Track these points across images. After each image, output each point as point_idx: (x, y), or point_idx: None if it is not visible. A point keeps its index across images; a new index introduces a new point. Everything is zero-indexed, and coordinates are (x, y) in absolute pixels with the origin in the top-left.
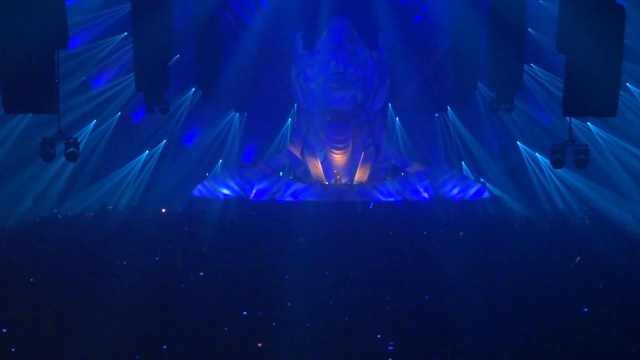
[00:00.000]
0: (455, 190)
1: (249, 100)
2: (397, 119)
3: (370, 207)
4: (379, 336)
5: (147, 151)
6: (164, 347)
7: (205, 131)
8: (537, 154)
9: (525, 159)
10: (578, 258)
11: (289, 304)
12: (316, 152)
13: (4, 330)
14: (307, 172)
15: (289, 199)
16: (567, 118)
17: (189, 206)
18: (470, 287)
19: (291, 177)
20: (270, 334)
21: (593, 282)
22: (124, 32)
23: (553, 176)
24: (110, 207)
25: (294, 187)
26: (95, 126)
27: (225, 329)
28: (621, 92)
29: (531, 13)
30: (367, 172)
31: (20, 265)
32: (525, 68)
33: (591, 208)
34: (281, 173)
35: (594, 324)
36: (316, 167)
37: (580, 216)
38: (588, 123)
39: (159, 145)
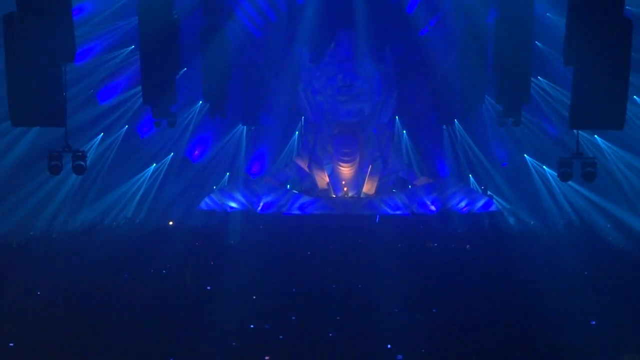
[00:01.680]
0: (463, 203)
1: (256, 113)
2: (404, 131)
3: (377, 220)
4: (389, 346)
5: (154, 164)
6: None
7: (212, 144)
8: (544, 166)
9: (532, 171)
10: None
11: (293, 317)
12: (323, 165)
13: (11, 345)
14: (314, 185)
15: (296, 212)
16: (575, 131)
17: (196, 219)
18: (478, 299)
19: (298, 190)
20: (278, 347)
21: (600, 295)
22: (131, 45)
23: (563, 188)
24: (118, 221)
25: (301, 200)
26: (103, 139)
27: (233, 343)
28: (628, 105)
29: (538, 26)
30: (375, 184)
31: (28, 278)
32: (532, 81)
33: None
34: (288, 186)
35: (602, 336)
36: (323, 180)
37: (585, 228)
38: (595, 136)
39: (166, 159)
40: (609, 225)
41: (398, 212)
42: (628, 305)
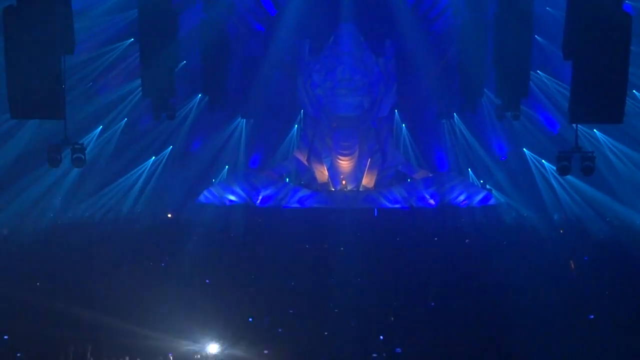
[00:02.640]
0: (462, 197)
1: (256, 106)
2: (403, 125)
3: (375, 214)
4: (381, 337)
5: (153, 157)
6: (170, 354)
7: (211, 137)
8: (543, 160)
9: (531, 165)
10: (572, 265)
11: (291, 311)
12: (322, 158)
13: (5, 338)
14: (313, 178)
15: (295, 205)
16: (574, 125)
17: (195, 212)
18: (477, 294)
19: (297, 184)
20: (277, 340)
21: (599, 288)
22: (131, 38)
23: (563, 182)
24: (117, 213)
25: (300, 194)
26: (102, 132)
27: (232, 337)
28: (627, 99)
29: (538, 19)
30: (374, 178)
31: (27, 270)
32: (531, 75)
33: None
34: (287, 179)
35: (600, 330)
36: (322, 174)
37: (585, 224)
38: (594, 130)
39: (165, 151)
40: (607, 219)
41: (397, 206)
42: (625, 300)
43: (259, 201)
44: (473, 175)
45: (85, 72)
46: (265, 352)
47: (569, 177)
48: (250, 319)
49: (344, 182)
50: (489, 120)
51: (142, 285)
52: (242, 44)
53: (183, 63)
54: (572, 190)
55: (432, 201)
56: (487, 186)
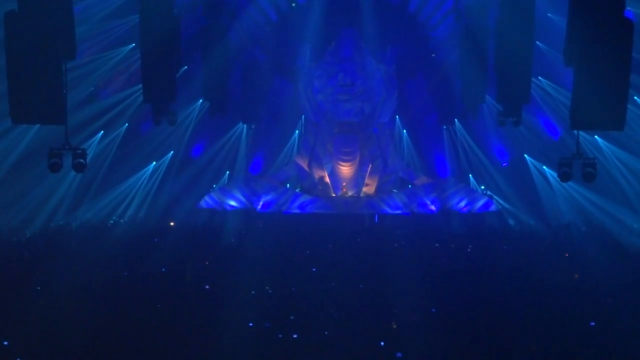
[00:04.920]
0: (463, 203)
1: (257, 111)
2: (404, 131)
3: (375, 219)
4: (382, 343)
5: (154, 162)
6: None
7: (212, 143)
8: (544, 167)
9: (532, 172)
10: (577, 275)
11: (292, 317)
12: (323, 164)
13: (5, 343)
14: (314, 184)
15: (296, 210)
16: (575, 131)
17: (196, 218)
18: (477, 300)
19: (298, 189)
20: (277, 346)
21: (599, 297)
22: (132, 43)
23: (560, 189)
24: (117, 219)
25: (300, 199)
26: (103, 137)
27: (232, 342)
28: (628, 106)
29: (539, 26)
30: (375, 184)
31: (27, 274)
32: (533, 81)
33: (597, 223)
34: (288, 185)
35: (601, 338)
36: (323, 179)
37: (586, 230)
38: (595, 136)
39: (166, 157)
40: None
41: (398, 212)
42: (628, 307)
43: (259, 207)
44: (474, 181)
45: (86, 77)
46: None
47: (570, 183)
48: (251, 324)
49: (344, 188)
50: (490, 126)
51: (141, 289)
52: (243, 50)
53: (184, 68)
54: (573, 196)
55: (433, 207)
56: (488, 192)
